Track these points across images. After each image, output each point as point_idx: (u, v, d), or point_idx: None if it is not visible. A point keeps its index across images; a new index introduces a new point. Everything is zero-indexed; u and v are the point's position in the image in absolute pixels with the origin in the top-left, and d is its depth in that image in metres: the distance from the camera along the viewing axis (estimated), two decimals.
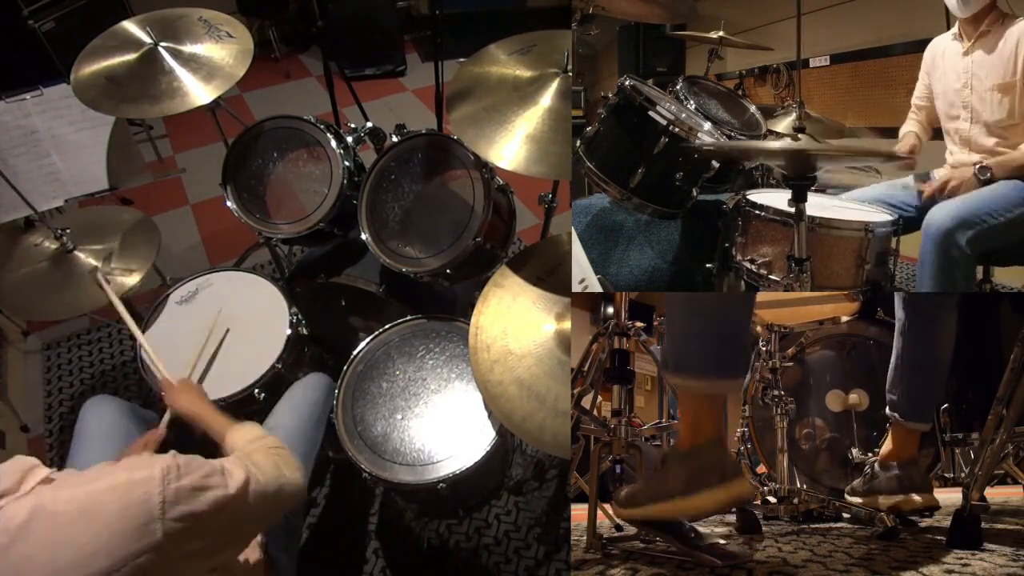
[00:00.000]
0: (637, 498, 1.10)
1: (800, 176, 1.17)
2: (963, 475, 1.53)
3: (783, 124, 2.04)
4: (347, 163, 1.73)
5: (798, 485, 1.55)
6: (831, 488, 1.67)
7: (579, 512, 1.38)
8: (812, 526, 1.44)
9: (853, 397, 1.69)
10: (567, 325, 1.35)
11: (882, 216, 1.50)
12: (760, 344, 1.65)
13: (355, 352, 1.64)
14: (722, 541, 1.09)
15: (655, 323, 1.70)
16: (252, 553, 1.16)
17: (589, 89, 3.24)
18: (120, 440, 1.33)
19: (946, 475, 1.58)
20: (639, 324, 1.40)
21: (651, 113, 1.55)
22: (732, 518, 1.44)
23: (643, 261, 1.78)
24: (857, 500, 1.39)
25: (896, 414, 1.37)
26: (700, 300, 1.12)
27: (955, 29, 1.59)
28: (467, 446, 1.45)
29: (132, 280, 1.69)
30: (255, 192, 1.78)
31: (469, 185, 1.63)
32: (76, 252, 1.75)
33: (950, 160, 1.65)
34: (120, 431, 1.37)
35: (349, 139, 1.80)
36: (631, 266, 1.78)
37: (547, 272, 1.47)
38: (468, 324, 1.41)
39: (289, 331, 1.62)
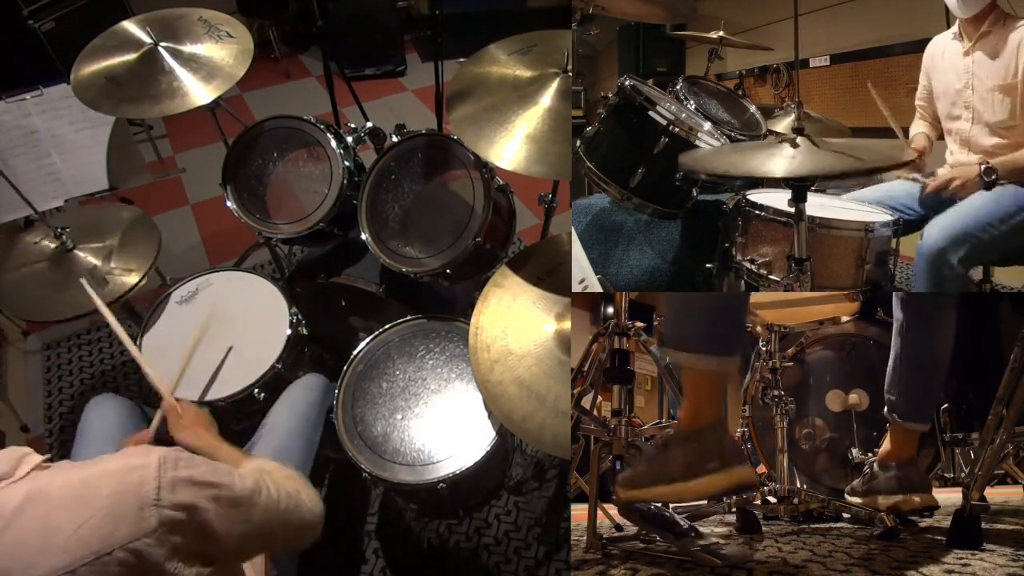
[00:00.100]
0: (637, 481, 1.11)
1: (800, 176, 1.17)
2: (963, 475, 1.54)
3: (783, 124, 2.05)
4: (347, 163, 1.73)
5: (798, 485, 1.55)
6: (831, 488, 1.67)
7: (579, 512, 1.38)
8: (812, 526, 1.44)
9: (853, 397, 1.69)
10: (567, 325, 1.35)
11: (882, 216, 1.50)
12: (760, 344, 1.65)
13: (355, 352, 1.64)
14: (722, 541, 1.09)
15: (655, 323, 1.70)
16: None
17: (589, 89, 3.24)
18: (123, 439, 1.33)
19: (946, 475, 1.58)
20: (639, 324, 1.40)
21: (651, 113, 1.55)
22: (732, 518, 1.44)
23: (643, 261, 1.78)
24: (857, 500, 1.39)
25: (894, 415, 1.37)
26: (698, 296, 1.13)
27: (955, 28, 1.59)
28: (467, 446, 1.45)
29: (131, 279, 1.69)
30: (255, 192, 1.78)
31: (469, 185, 1.63)
32: (76, 251, 1.75)
33: (950, 160, 1.65)
34: (123, 430, 1.37)
35: (349, 139, 1.80)
36: (631, 266, 1.78)
37: (547, 272, 1.47)
38: (468, 324, 1.41)
39: (289, 331, 1.62)
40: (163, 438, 1.37)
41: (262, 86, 4.20)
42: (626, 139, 1.60)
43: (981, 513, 1.09)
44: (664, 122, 1.53)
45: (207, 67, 1.72)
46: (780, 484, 1.51)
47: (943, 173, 1.57)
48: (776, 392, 1.57)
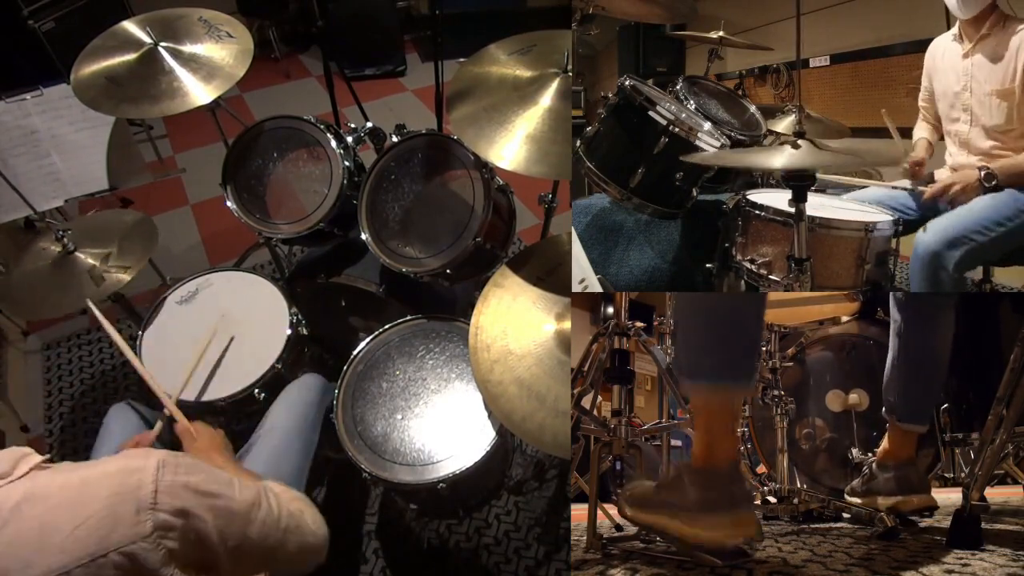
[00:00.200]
0: (645, 503, 1.10)
1: (800, 177, 1.17)
2: (963, 475, 1.54)
3: (783, 124, 2.05)
4: (347, 163, 1.73)
5: (798, 485, 1.55)
6: (831, 488, 1.67)
7: (579, 512, 1.38)
8: (812, 526, 1.43)
9: (853, 397, 1.69)
10: (567, 325, 1.35)
11: (882, 216, 1.50)
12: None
13: (355, 352, 1.64)
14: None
15: (655, 323, 1.70)
16: None
17: (589, 89, 3.25)
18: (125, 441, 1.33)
19: (946, 475, 1.58)
20: (639, 324, 1.40)
21: (651, 113, 1.55)
22: None
23: (643, 261, 1.78)
24: (856, 500, 1.39)
25: (893, 416, 1.37)
26: (710, 305, 1.10)
27: (955, 30, 1.59)
28: (467, 446, 1.45)
29: (127, 276, 1.69)
30: (255, 192, 1.78)
31: (469, 185, 1.63)
32: (76, 253, 1.75)
33: (950, 161, 1.65)
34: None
35: (349, 139, 1.80)
36: (631, 266, 1.79)
37: (547, 272, 1.47)
38: (468, 324, 1.41)
39: (289, 331, 1.62)
40: (167, 441, 1.37)
41: (262, 86, 4.20)
42: (626, 139, 1.60)
43: (981, 513, 1.08)
44: (664, 122, 1.53)
45: (207, 67, 1.72)
46: (780, 484, 1.51)
47: (942, 177, 1.57)
48: (776, 392, 1.57)
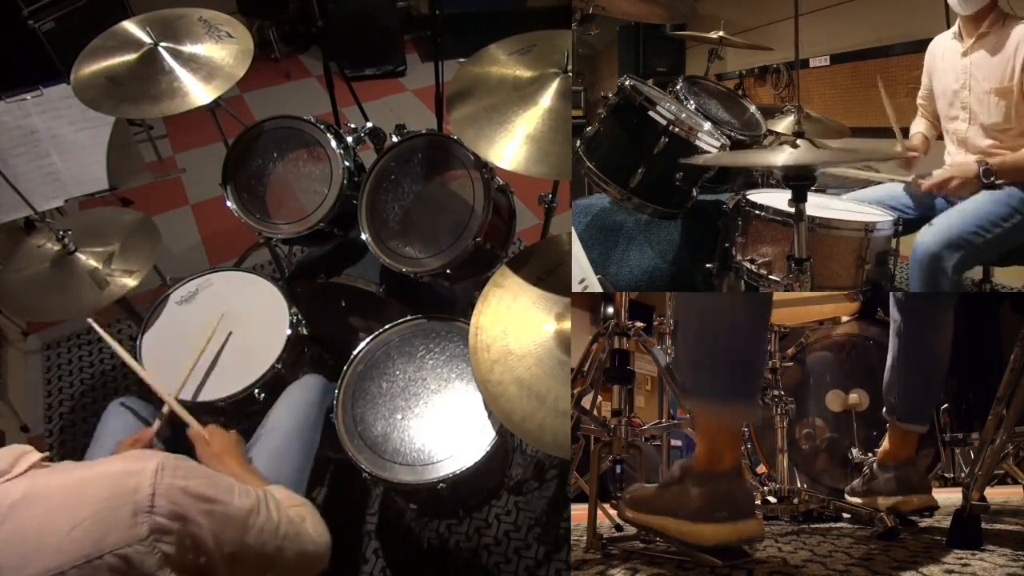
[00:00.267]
0: (647, 505, 1.10)
1: (800, 177, 1.17)
2: (963, 475, 1.54)
3: (783, 124, 2.05)
4: (347, 163, 1.73)
5: (798, 485, 1.55)
6: (831, 488, 1.67)
7: (579, 512, 1.38)
8: (812, 526, 1.43)
9: (853, 397, 1.69)
10: (567, 325, 1.35)
11: (882, 216, 1.50)
12: None
13: (355, 352, 1.64)
14: None
15: (655, 323, 1.70)
16: None
17: (589, 89, 3.25)
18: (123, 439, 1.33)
19: (946, 475, 1.58)
20: (639, 324, 1.40)
21: (651, 113, 1.55)
22: None
23: (643, 261, 1.78)
24: (856, 500, 1.39)
25: (893, 416, 1.37)
26: (714, 316, 1.08)
27: (955, 28, 1.59)
28: (467, 446, 1.45)
29: (132, 282, 1.69)
30: (255, 192, 1.78)
31: (469, 185, 1.63)
32: (77, 254, 1.75)
33: (948, 160, 1.65)
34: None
35: (349, 139, 1.80)
36: (631, 266, 1.79)
37: (547, 272, 1.47)
38: (468, 324, 1.41)
39: (289, 331, 1.62)
40: (166, 438, 1.36)
41: (262, 86, 4.20)
42: (626, 139, 1.60)
43: (981, 513, 1.08)
44: (664, 122, 1.53)
45: (207, 67, 1.72)
46: (780, 484, 1.51)
47: (941, 172, 1.56)
48: (776, 392, 1.57)
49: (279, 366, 1.57)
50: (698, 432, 1.09)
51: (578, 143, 1.67)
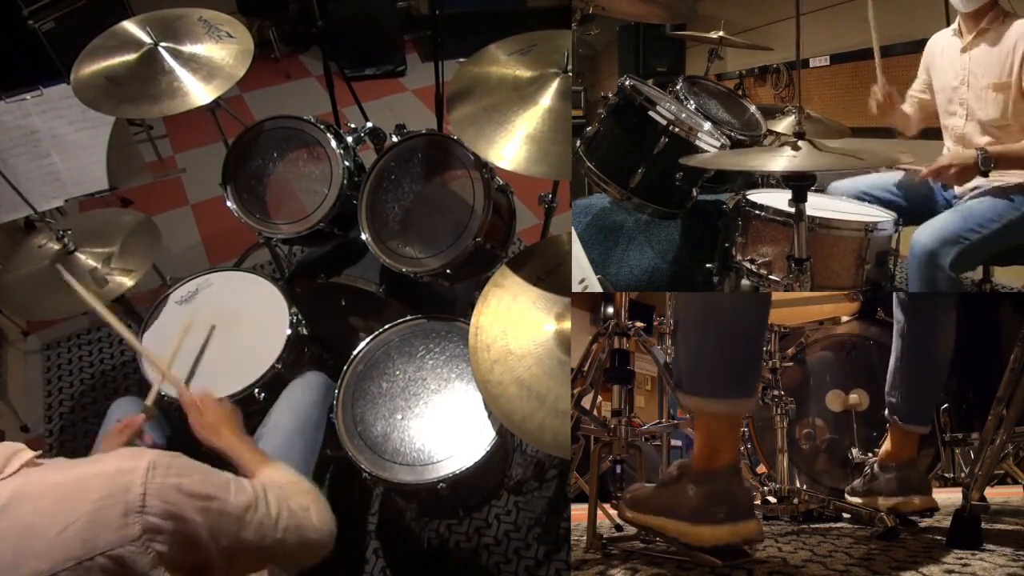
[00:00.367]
0: (645, 505, 1.09)
1: (800, 177, 1.17)
2: (963, 475, 1.54)
3: (783, 124, 2.05)
4: (347, 163, 1.73)
5: (798, 485, 1.55)
6: (831, 488, 1.67)
7: (579, 512, 1.38)
8: (812, 526, 1.43)
9: (853, 397, 1.69)
10: (567, 325, 1.35)
11: (882, 216, 1.50)
12: None
13: (355, 352, 1.64)
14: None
15: (655, 323, 1.70)
16: None
17: (589, 89, 3.25)
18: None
19: (946, 475, 1.58)
20: (639, 324, 1.40)
21: (651, 113, 1.55)
22: None
23: (643, 261, 1.78)
24: (857, 500, 1.39)
25: (895, 417, 1.37)
26: (712, 312, 1.08)
27: (955, 25, 1.59)
28: (467, 446, 1.45)
29: (130, 281, 1.69)
30: (255, 192, 1.78)
31: (469, 185, 1.63)
32: (77, 253, 1.75)
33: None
34: (155, 438, 1.37)
35: (349, 139, 1.80)
36: (631, 266, 1.79)
37: (547, 272, 1.47)
38: (468, 324, 1.41)
39: (289, 331, 1.62)
40: (174, 422, 1.35)
41: (262, 86, 4.20)
42: (626, 139, 1.61)
43: (981, 513, 1.08)
44: (664, 122, 1.53)
45: (207, 67, 1.72)
46: (780, 484, 1.51)
47: (939, 160, 1.55)
48: (776, 392, 1.57)
49: (279, 366, 1.57)
50: (696, 430, 1.09)
51: (578, 143, 1.67)
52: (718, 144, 1.63)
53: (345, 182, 1.70)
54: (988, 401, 1.09)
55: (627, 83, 1.61)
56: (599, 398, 1.40)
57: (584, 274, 1.38)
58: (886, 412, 1.39)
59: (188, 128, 3.56)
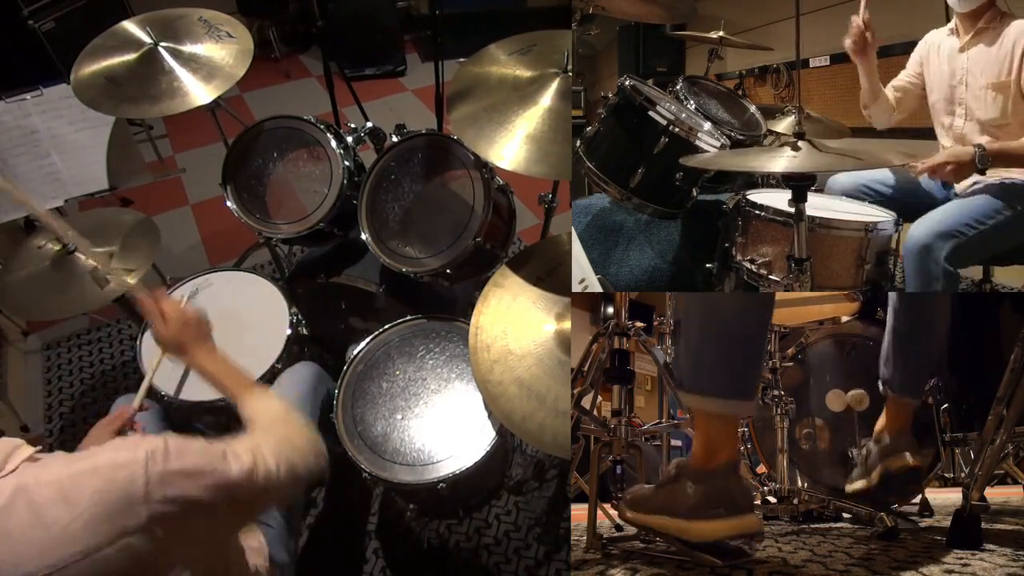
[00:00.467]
0: (645, 504, 1.10)
1: (800, 177, 1.17)
2: (963, 475, 1.53)
3: (783, 125, 2.05)
4: (347, 163, 1.73)
5: (798, 485, 1.55)
6: (831, 488, 1.67)
7: (579, 512, 1.38)
8: (812, 526, 1.44)
9: (853, 397, 1.69)
10: (567, 325, 1.35)
11: (882, 216, 1.50)
12: None
13: (355, 352, 1.64)
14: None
15: (655, 323, 1.70)
16: (259, 560, 1.16)
17: (589, 89, 3.24)
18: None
19: (946, 475, 1.58)
20: (639, 324, 1.40)
21: (651, 113, 1.55)
22: None
23: (643, 261, 1.78)
24: (857, 485, 1.38)
25: (888, 388, 1.36)
26: (715, 312, 1.08)
27: (952, 24, 1.58)
28: (467, 446, 1.45)
29: (131, 281, 1.69)
30: (255, 192, 1.78)
31: (469, 185, 1.63)
32: (77, 253, 1.75)
33: None
34: (149, 429, 1.36)
35: (349, 139, 1.80)
36: (631, 266, 1.79)
37: (547, 272, 1.47)
38: (468, 324, 1.41)
39: (289, 331, 1.62)
40: (176, 422, 1.33)
41: (262, 86, 4.20)
42: (626, 139, 1.61)
43: (981, 513, 1.08)
44: (664, 122, 1.53)
45: (207, 67, 1.72)
46: (780, 484, 1.51)
47: (936, 156, 1.54)
48: (776, 392, 1.57)
49: (279, 366, 1.57)
50: (695, 429, 1.09)
51: (578, 143, 1.67)
52: (718, 144, 1.63)
53: (345, 182, 1.71)
54: (988, 401, 1.09)
55: (627, 83, 1.61)
56: (599, 398, 1.41)
57: (584, 274, 1.38)
58: (879, 384, 1.39)
59: (188, 128, 3.56)
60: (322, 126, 1.76)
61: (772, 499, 1.50)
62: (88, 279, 1.71)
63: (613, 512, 1.29)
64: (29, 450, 0.76)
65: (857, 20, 1.57)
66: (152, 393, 1.50)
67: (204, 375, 1.14)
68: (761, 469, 1.73)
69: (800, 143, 1.14)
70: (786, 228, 1.40)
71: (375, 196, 1.70)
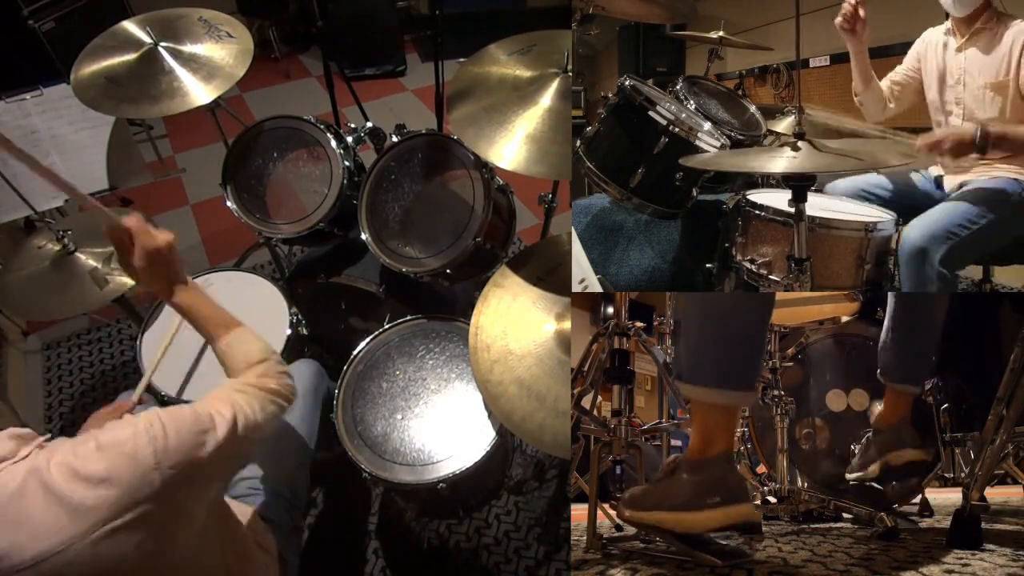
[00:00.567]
0: (642, 502, 1.10)
1: (800, 177, 1.17)
2: (963, 475, 1.53)
3: (783, 125, 2.05)
4: (347, 163, 1.73)
5: (798, 485, 1.55)
6: (831, 488, 1.67)
7: (579, 512, 1.38)
8: (812, 526, 1.44)
9: (853, 397, 1.69)
10: (567, 325, 1.35)
11: (882, 216, 1.50)
12: None
13: (355, 352, 1.64)
14: (722, 541, 1.09)
15: (655, 323, 1.70)
16: (269, 561, 1.17)
17: (589, 89, 3.24)
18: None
19: (946, 475, 1.58)
20: (639, 324, 1.40)
21: (651, 113, 1.55)
22: None
23: (643, 261, 1.78)
24: (856, 475, 1.38)
25: (887, 377, 1.36)
26: (715, 306, 1.09)
27: (948, 24, 1.58)
28: (467, 446, 1.45)
29: (131, 281, 1.69)
30: (255, 192, 1.78)
31: (469, 185, 1.63)
32: (77, 253, 1.75)
33: (939, 156, 1.64)
34: None
35: (349, 139, 1.80)
36: (631, 266, 1.78)
37: (547, 272, 1.47)
38: (468, 324, 1.41)
39: (289, 331, 1.62)
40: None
41: (262, 86, 4.20)
42: (626, 139, 1.60)
43: (981, 513, 1.09)
44: (664, 122, 1.53)
45: (207, 67, 1.72)
46: (780, 484, 1.51)
47: (938, 131, 1.52)
48: (776, 392, 1.57)
49: None
50: (692, 420, 1.10)
51: (578, 143, 1.67)
52: (718, 144, 1.63)
53: (345, 182, 1.71)
54: (988, 401, 1.09)
55: (627, 83, 1.61)
56: (599, 398, 1.41)
57: (584, 274, 1.38)
58: (878, 373, 1.39)
59: (188, 128, 3.56)
60: (322, 126, 1.76)
61: (772, 499, 1.50)
62: (88, 279, 1.71)
63: (613, 512, 1.29)
64: (40, 438, 0.81)
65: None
66: (153, 392, 1.50)
67: (178, 309, 1.12)
68: (761, 469, 1.73)
69: (800, 143, 1.14)
70: (786, 228, 1.40)
71: (375, 196, 1.70)
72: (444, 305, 1.97)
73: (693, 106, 1.83)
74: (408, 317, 1.70)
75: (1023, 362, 1.04)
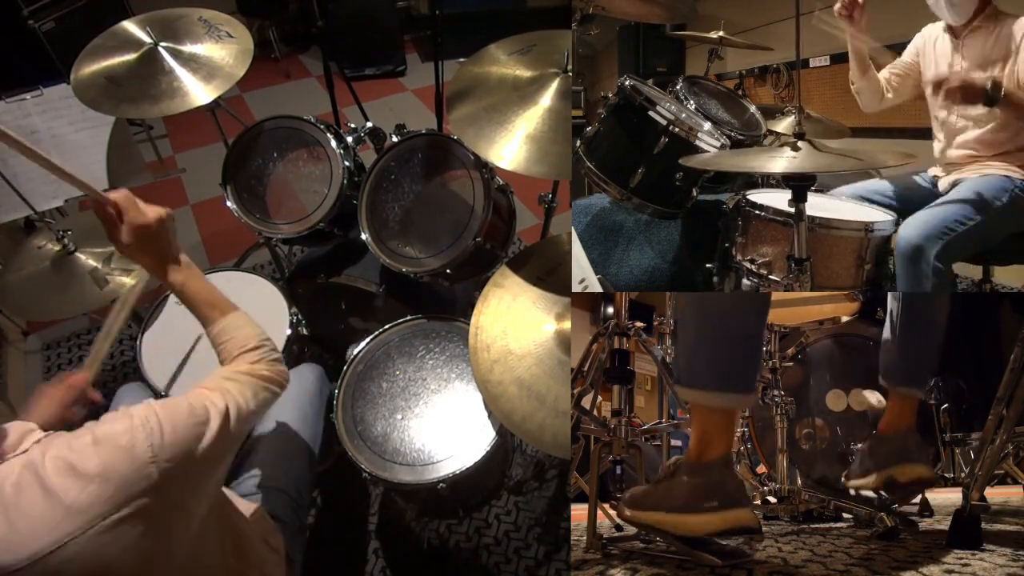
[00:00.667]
0: (642, 502, 1.10)
1: (800, 177, 1.17)
2: (963, 475, 1.53)
3: (783, 125, 2.05)
4: (347, 163, 1.73)
5: (798, 485, 1.55)
6: (831, 488, 1.67)
7: (579, 512, 1.38)
8: (812, 526, 1.44)
9: (853, 397, 1.69)
10: (567, 325, 1.35)
11: (882, 216, 1.50)
12: None
13: (355, 352, 1.64)
14: (722, 541, 1.09)
15: (655, 323, 1.69)
16: (277, 560, 1.17)
17: (589, 89, 3.24)
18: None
19: (946, 475, 1.58)
20: (639, 324, 1.40)
21: (651, 113, 1.55)
22: None
23: (643, 261, 1.78)
24: (855, 482, 1.38)
25: (890, 381, 1.35)
26: (713, 308, 1.09)
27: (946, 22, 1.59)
28: (467, 446, 1.45)
29: (130, 281, 1.70)
30: (255, 192, 1.78)
31: (469, 185, 1.63)
32: (77, 253, 1.75)
33: (937, 149, 1.64)
34: None
35: (349, 139, 1.80)
36: (631, 266, 1.78)
37: (547, 272, 1.47)
38: (468, 324, 1.41)
39: (289, 331, 1.62)
40: None
41: (262, 86, 4.20)
42: (626, 139, 1.60)
43: (981, 513, 1.08)
44: (664, 122, 1.53)
45: (207, 67, 1.72)
46: (780, 484, 1.51)
47: (951, 79, 1.50)
48: (776, 392, 1.57)
49: None
50: (692, 423, 1.10)
51: (578, 143, 1.67)
52: (718, 144, 1.63)
53: (345, 182, 1.71)
54: (988, 401, 1.09)
55: (627, 83, 1.61)
56: (599, 398, 1.40)
57: (584, 274, 1.38)
58: (880, 377, 1.37)
59: (188, 128, 3.56)
60: (322, 126, 1.76)
61: (772, 499, 1.50)
62: (88, 279, 1.71)
63: (613, 512, 1.29)
64: (40, 433, 0.81)
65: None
66: (147, 384, 1.50)
67: (172, 289, 1.10)
68: (761, 469, 1.73)
69: (800, 143, 1.14)
70: (786, 228, 1.40)
71: (375, 196, 1.70)
72: (444, 305, 1.97)
73: (693, 106, 1.83)
74: (408, 317, 1.70)
75: (1023, 362, 1.04)
